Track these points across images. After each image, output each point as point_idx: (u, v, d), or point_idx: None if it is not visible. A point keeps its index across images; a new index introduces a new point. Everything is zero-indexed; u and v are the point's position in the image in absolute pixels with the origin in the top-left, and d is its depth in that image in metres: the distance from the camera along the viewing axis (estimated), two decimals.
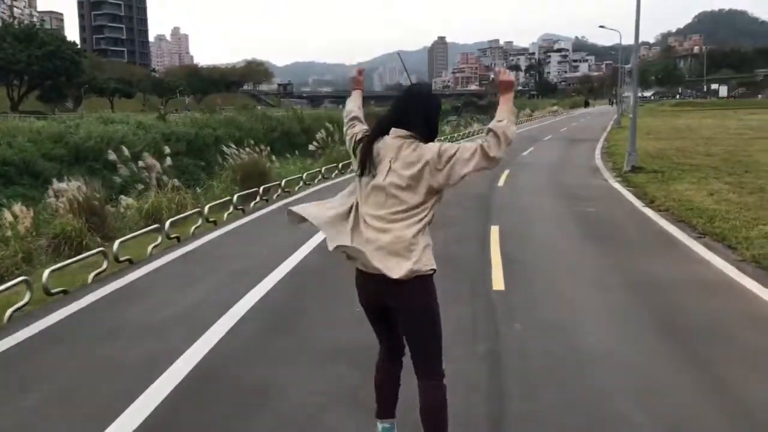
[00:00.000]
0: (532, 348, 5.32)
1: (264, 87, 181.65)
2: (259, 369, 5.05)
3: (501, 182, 16.82)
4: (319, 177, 19.14)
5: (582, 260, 8.46)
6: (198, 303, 6.84)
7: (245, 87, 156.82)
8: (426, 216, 3.19)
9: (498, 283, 7.28)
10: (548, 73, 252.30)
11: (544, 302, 6.62)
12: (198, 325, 6.02)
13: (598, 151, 25.99)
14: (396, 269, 3.05)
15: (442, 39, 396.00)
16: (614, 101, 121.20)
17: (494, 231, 10.33)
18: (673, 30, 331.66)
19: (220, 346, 5.54)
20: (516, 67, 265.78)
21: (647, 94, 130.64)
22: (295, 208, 3.37)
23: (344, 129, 3.61)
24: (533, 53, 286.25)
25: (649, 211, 12.11)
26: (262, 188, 14.66)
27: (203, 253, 9.49)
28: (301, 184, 17.33)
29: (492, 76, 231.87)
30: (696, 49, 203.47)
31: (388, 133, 3.22)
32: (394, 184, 3.13)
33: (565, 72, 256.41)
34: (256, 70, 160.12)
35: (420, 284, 3.13)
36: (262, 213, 13.15)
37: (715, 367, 4.94)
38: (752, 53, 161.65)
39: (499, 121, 3.14)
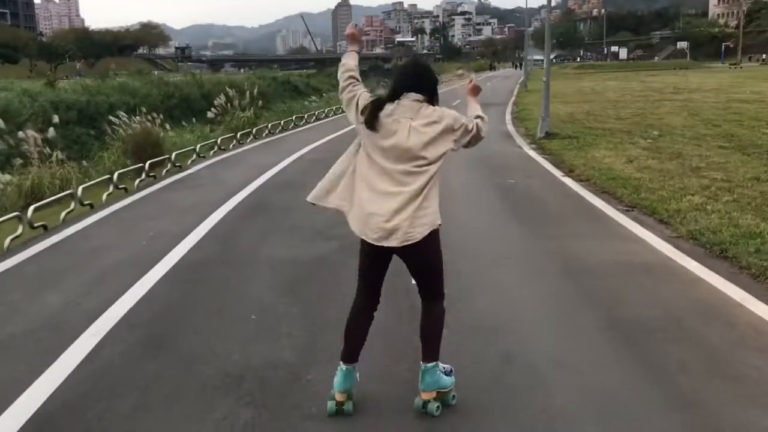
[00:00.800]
0: (463, 360, 4.39)
1: (161, 51, 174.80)
2: (123, 407, 3.93)
3: None
4: (215, 148, 17.73)
5: (510, 243, 7.62)
6: (54, 313, 5.60)
7: (140, 51, 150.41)
8: (437, 172, 3.58)
9: None
10: (453, 36, 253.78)
11: (471, 298, 5.73)
12: (49, 345, 4.83)
13: (508, 116, 25.52)
14: (423, 231, 3.52)
15: (345, 1, 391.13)
16: (518, 64, 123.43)
17: None
18: None
19: (76, 375, 4.38)
20: (421, 30, 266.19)
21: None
22: (313, 200, 3.90)
23: (342, 85, 3.87)
24: (437, 16, 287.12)
25: (570, 182, 11.47)
26: (148, 163, 13.22)
27: (71, 245, 8.13)
28: (195, 157, 15.90)
29: (397, 40, 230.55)
30: (595, 12, 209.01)
31: (399, 98, 3.60)
32: (417, 141, 3.51)
33: (469, 35, 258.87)
34: (151, 34, 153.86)
35: (435, 237, 3.62)
36: (147, 192, 11.77)
37: (679, 378, 4.17)
38: (648, 16, 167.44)
39: (479, 113, 3.95)
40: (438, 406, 3.75)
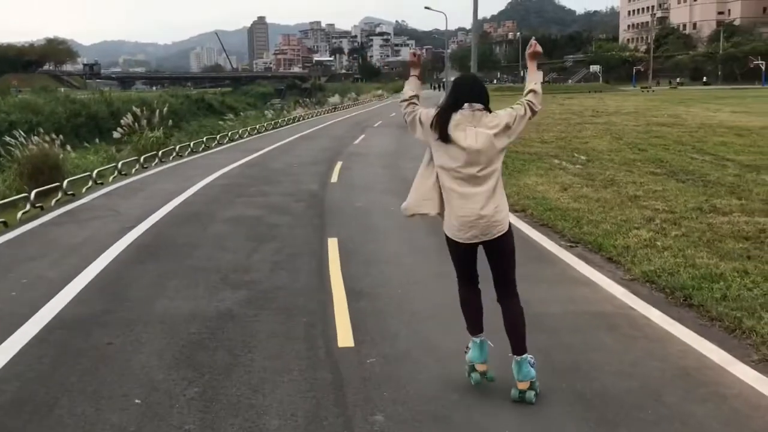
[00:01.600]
0: None
1: (68, 67, 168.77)
2: None
3: (334, 177, 15.01)
4: (116, 173, 16.29)
5: (446, 290, 6.73)
6: None
7: (46, 67, 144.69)
8: (500, 167, 4.22)
9: (345, 336, 5.36)
10: (371, 56, 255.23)
11: (405, 366, 4.78)
12: None
13: None
14: (504, 227, 4.21)
15: (261, 19, 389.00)
16: (437, 86, 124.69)
17: (332, 246, 8.44)
18: (488, 16, 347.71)
19: None
20: (339, 50, 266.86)
21: None
22: (409, 211, 4.47)
23: (403, 111, 4.41)
24: (355, 36, 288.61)
25: None
26: (34, 193, 11.76)
27: None
28: (91, 183, 14.46)
29: (315, 59, 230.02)
30: (510, 35, 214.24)
31: (461, 108, 4.13)
32: (484, 144, 4.09)
33: (388, 56, 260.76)
34: (58, 49, 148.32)
35: (510, 232, 4.29)
36: (31, 226, 10.34)
37: None
38: (562, 40, 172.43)
39: (536, 83, 4.37)
40: (535, 394, 4.24)
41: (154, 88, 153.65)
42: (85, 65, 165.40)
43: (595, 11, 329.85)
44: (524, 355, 4.24)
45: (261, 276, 7.14)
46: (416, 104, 4.37)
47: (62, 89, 70.14)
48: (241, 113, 56.59)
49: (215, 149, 23.28)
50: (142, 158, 18.48)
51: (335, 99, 71.40)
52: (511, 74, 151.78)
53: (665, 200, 10.98)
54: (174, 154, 20.94)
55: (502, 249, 4.28)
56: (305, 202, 11.91)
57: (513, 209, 10.87)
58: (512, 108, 4.22)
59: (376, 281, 6.98)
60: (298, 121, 41.73)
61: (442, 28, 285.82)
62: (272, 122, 33.64)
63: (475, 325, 4.43)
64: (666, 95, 62.16)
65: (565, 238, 8.82)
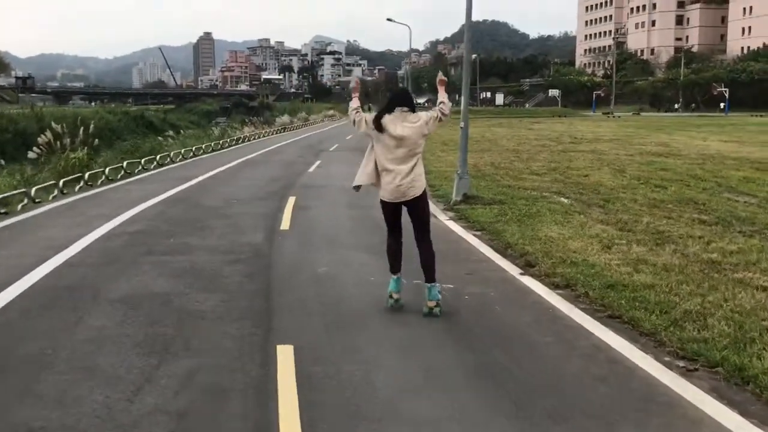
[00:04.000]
0: None
1: (1, 81, 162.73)
2: None
3: (285, 222, 11.46)
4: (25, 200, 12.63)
5: None
6: None
7: None
8: (421, 151, 6.42)
9: None
10: (322, 75, 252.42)
11: None
12: None
13: None
14: (418, 191, 6.37)
15: (208, 35, 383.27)
16: None
17: (285, 367, 5.00)
18: (442, 38, 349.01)
19: None
20: (288, 68, 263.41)
21: (421, 100, 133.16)
22: (358, 183, 6.60)
23: (352, 118, 6.68)
24: (306, 54, 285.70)
25: (540, 288, 7.41)
26: None
27: None
28: None
29: (263, 77, 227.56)
30: None
31: (393, 110, 6.33)
32: (408, 133, 6.24)
33: (339, 75, 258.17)
34: None
35: (425, 195, 6.54)
36: None
37: None
38: (518, 63, 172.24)
39: (444, 99, 6.51)
40: (440, 310, 6.42)
41: (92, 103, 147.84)
42: (17, 78, 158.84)
43: (549, 36, 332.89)
44: (434, 283, 6.50)
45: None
46: (361, 112, 6.64)
47: None
48: (182, 131, 53.09)
49: (141, 175, 19.52)
50: (61, 182, 15.28)
51: (284, 119, 67.84)
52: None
53: (762, 270, 7.84)
54: (103, 177, 17.49)
55: (417, 206, 6.48)
56: (244, 264, 8.41)
57: (550, 281, 7.62)
58: (430, 112, 6.41)
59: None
60: (244, 142, 38.08)
61: (395, 48, 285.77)
62: (212, 144, 29.83)
63: (396, 267, 6.62)
64: (635, 122, 60.36)
65: (666, 348, 5.52)
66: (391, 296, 6.55)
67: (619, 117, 73.57)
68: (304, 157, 25.59)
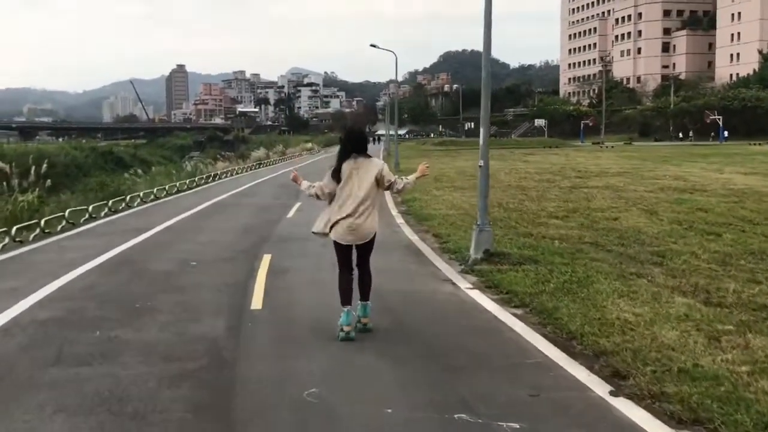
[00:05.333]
0: None
1: None
2: None
3: (256, 299, 8.66)
4: None
5: None
6: None
7: None
8: (377, 201, 7.03)
9: None
10: (299, 108, 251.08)
11: None
12: None
13: (394, 210, 19.07)
14: (371, 234, 7.00)
15: (181, 67, 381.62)
16: (373, 139, 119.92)
17: None
18: (420, 69, 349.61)
19: None
20: (264, 101, 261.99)
21: (401, 132, 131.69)
22: (317, 231, 7.13)
23: (310, 194, 7.20)
24: (282, 87, 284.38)
25: (652, 424, 4.83)
26: None
27: None
28: None
29: (238, 110, 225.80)
30: (447, 87, 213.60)
31: (349, 158, 6.90)
32: (365, 184, 6.81)
33: (317, 107, 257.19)
34: None
35: (374, 237, 7.13)
36: None
37: None
38: (500, 92, 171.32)
39: (409, 182, 7.26)
40: (371, 326, 7.15)
41: (60, 139, 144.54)
42: None
43: (530, 65, 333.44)
44: (367, 301, 7.17)
45: None
46: (311, 185, 7.17)
47: None
48: (154, 167, 50.71)
49: (86, 225, 16.77)
50: (14, 230, 13.18)
51: (260, 152, 65.34)
52: (449, 127, 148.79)
53: None
54: (64, 222, 15.21)
55: (367, 247, 7.11)
56: (192, 383, 5.71)
57: (667, 412, 5.04)
58: (387, 174, 6.96)
59: None
60: (216, 179, 35.41)
61: (373, 80, 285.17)
62: (177, 184, 27.08)
63: (347, 300, 6.96)
64: (632, 152, 58.38)
65: None
66: (342, 329, 6.86)
67: (612, 147, 71.74)
68: (282, 199, 22.91)
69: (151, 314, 7.89)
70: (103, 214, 18.41)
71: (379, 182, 6.86)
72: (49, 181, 25.64)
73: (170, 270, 10.58)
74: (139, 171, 39.19)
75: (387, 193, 24.67)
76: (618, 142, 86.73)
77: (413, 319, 7.69)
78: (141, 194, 21.78)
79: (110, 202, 19.18)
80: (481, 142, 11.01)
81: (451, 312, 8.07)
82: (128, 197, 20.67)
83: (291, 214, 18.45)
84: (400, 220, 16.89)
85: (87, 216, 17.55)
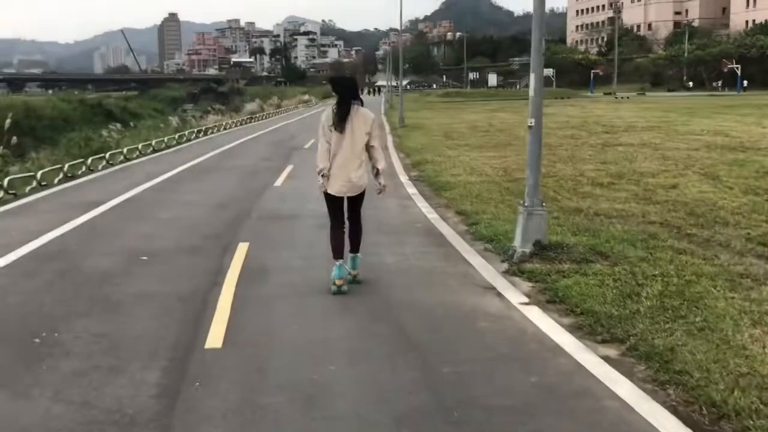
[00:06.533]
0: None
1: None
2: None
3: (216, 330, 5.97)
4: None
5: None
6: None
7: None
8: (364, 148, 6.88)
9: None
10: (296, 58, 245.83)
11: None
12: None
13: (404, 176, 16.27)
14: (362, 187, 6.90)
15: (173, 16, 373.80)
16: (372, 90, 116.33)
17: None
18: (422, 17, 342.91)
19: None
20: (260, 50, 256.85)
21: (404, 82, 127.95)
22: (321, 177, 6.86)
23: (321, 169, 6.87)
24: (278, 36, 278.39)
25: None
26: None
27: None
28: None
29: (233, 60, 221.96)
30: (449, 35, 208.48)
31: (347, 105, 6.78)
32: (357, 135, 6.77)
33: (314, 58, 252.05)
34: None
35: (364, 190, 7.02)
36: None
37: None
38: (505, 41, 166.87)
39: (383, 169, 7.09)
40: (361, 279, 7.16)
41: (49, 91, 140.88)
42: None
43: None
44: (357, 253, 7.17)
45: None
46: (320, 166, 6.89)
47: None
48: (143, 121, 48.08)
49: (36, 194, 14.08)
50: None
51: (253, 105, 62.18)
52: (453, 78, 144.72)
53: None
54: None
55: (359, 198, 7.01)
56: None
57: None
58: (376, 141, 6.95)
59: None
60: (205, 134, 32.59)
61: (371, 28, 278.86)
62: (153, 143, 24.21)
63: (339, 253, 6.91)
64: (651, 103, 55.37)
65: None
66: (334, 283, 6.80)
67: (627, 98, 68.58)
68: (271, 160, 20.09)
69: (51, 360, 5.23)
70: (59, 178, 15.69)
71: (368, 136, 6.87)
72: (15, 138, 23.07)
73: (110, 269, 7.89)
74: (118, 126, 36.40)
75: (395, 155, 22.01)
76: (630, 92, 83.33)
77: (449, 377, 5.01)
78: (107, 156, 18.95)
79: (66, 166, 16.43)
80: (531, 92, 8.19)
81: (506, 353, 5.42)
82: (141, 146, 17.83)
83: (279, 181, 15.58)
84: (411, 189, 14.06)
85: (61, 176, 15.00)
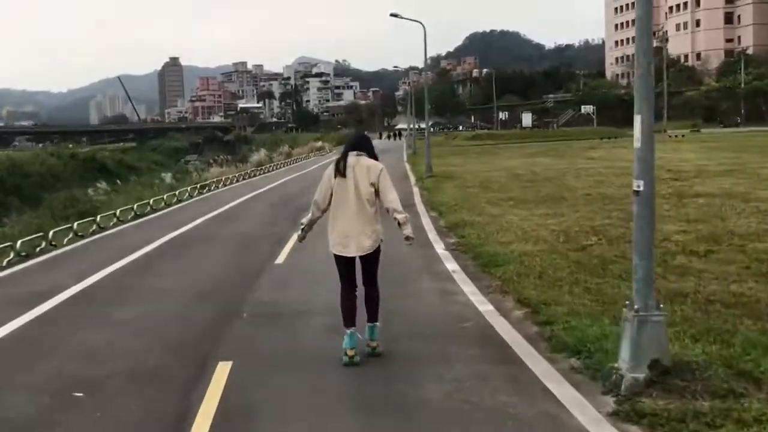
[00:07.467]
0: None
1: None
2: None
3: None
4: None
5: None
6: None
7: None
8: (377, 205, 6.89)
9: None
10: (308, 101, 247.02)
11: None
12: None
13: (439, 244, 14.17)
14: (371, 247, 6.83)
15: (174, 60, 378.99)
16: (393, 134, 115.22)
17: None
18: (444, 53, 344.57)
19: None
20: (269, 94, 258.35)
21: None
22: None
23: (306, 221, 7.24)
24: (288, 78, 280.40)
25: None
26: None
27: None
28: None
29: (240, 106, 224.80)
30: (475, 72, 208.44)
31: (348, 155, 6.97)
32: (362, 185, 6.80)
33: (327, 101, 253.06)
34: None
35: (379, 249, 6.99)
36: None
37: None
38: (537, 77, 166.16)
39: (406, 221, 6.99)
40: (380, 350, 7.02)
41: (40, 144, 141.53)
42: None
43: (567, 45, 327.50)
44: (376, 322, 7.02)
45: None
46: (308, 216, 7.27)
47: None
48: (130, 178, 47.43)
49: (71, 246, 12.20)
50: None
51: (260, 155, 60.93)
52: (481, 118, 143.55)
53: None
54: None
55: (371, 259, 6.94)
56: None
57: None
58: (390, 191, 6.95)
59: None
60: (204, 191, 30.99)
61: (389, 68, 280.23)
62: (134, 208, 22.46)
63: (351, 320, 6.88)
64: (712, 142, 53.49)
65: None
66: (346, 353, 6.73)
67: (682, 136, 66.61)
68: (273, 226, 18.09)
69: None
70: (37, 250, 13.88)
71: (375, 190, 6.88)
72: None
73: (19, 420, 5.88)
74: (104, 185, 35.00)
75: (425, 216, 19.88)
76: (683, 129, 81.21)
77: None
78: (74, 226, 17.13)
79: (18, 244, 14.57)
80: (637, 142, 6.19)
81: None
82: (50, 234, 15.95)
83: (283, 256, 13.40)
84: (451, 264, 11.87)
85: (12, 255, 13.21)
